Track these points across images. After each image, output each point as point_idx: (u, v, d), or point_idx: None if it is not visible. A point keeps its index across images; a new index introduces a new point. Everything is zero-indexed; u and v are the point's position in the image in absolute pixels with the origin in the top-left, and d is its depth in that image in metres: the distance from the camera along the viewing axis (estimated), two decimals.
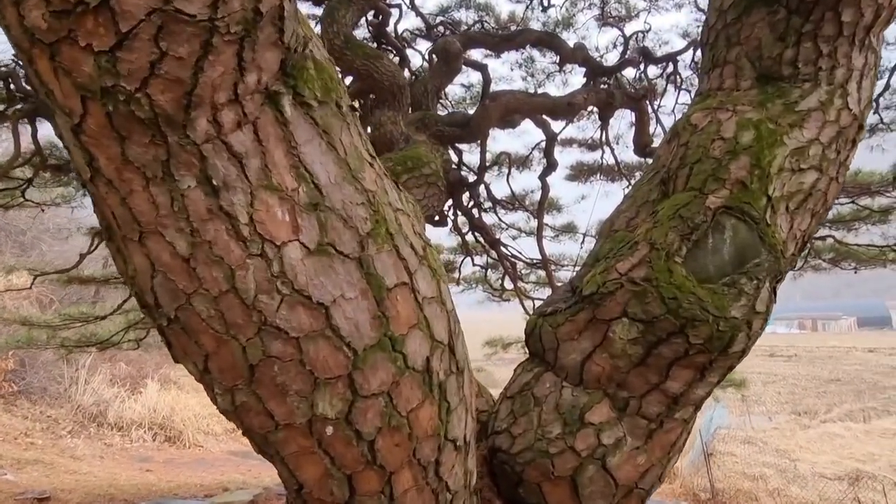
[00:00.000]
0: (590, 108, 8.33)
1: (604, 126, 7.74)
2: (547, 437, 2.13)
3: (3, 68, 4.58)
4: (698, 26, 7.61)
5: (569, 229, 9.32)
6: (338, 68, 7.20)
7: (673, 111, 7.61)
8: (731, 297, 1.93)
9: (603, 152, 8.53)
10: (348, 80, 7.19)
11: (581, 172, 9.15)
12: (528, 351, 2.47)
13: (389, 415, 1.53)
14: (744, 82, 2.30)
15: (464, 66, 7.76)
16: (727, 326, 1.91)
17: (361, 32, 7.30)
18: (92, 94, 1.22)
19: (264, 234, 1.35)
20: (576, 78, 8.90)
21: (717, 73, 2.40)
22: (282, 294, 1.38)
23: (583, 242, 8.57)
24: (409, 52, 7.86)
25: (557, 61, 7.38)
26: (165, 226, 1.34)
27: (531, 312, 3.44)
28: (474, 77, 8.82)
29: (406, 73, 7.12)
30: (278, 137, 1.37)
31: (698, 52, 7.10)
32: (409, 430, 1.58)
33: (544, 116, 6.62)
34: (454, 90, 8.83)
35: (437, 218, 8.02)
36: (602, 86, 6.42)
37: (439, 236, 10.46)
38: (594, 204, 8.71)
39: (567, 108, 5.46)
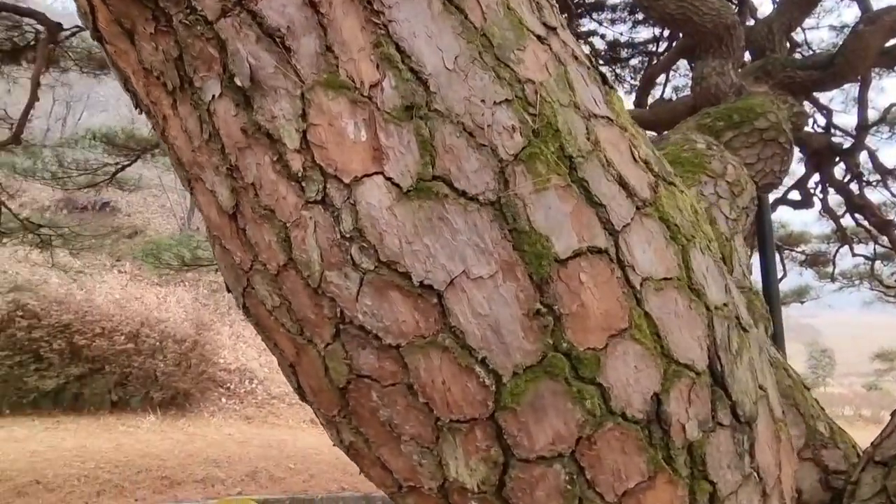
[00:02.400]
0: None
1: None
2: None
3: None
4: None
5: None
6: (650, 21, 6.26)
7: None
8: None
9: None
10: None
11: None
12: None
13: (579, 497, 0.82)
14: None
15: None
16: None
17: None
18: None
19: (326, 164, 0.78)
20: None
21: None
22: (360, 270, 0.79)
23: None
24: None
25: None
26: (202, 165, 0.87)
27: None
28: (848, 15, 6.91)
29: (750, 22, 5.80)
30: None
31: None
32: None
33: None
34: (818, 35, 7.03)
35: (797, 197, 6.45)
36: None
37: (805, 222, 8.55)
38: None
39: None
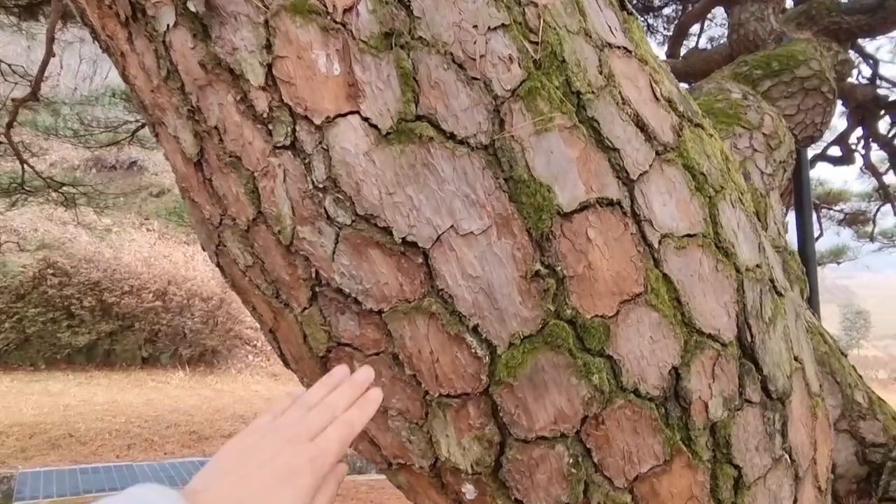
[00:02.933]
0: None
1: None
2: None
3: None
4: None
5: None
6: None
7: None
8: None
9: None
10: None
11: None
12: None
13: (584, 481, 0.72)
14: None
15: None
16: None
17: None
18: None
19: (295, 103, 0.68)
20: None
21: None
22: (336, 225, 0.69)
23: None
24: None
25: None
26: (163, 107, 0.78)
27: None
28: None
29: None
30: None
31: None
32: None
33: None
34: None
35: (838, 153, 6.16)
36: None
37: (844, 180, 8.22)
38: None
39: None
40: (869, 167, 6.72)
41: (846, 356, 1.82)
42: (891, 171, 6.59)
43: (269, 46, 0.68)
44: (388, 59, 0.66)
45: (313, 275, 0.73)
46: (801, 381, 0.87)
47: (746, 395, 0.76)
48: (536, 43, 0.68)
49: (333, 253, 0.70)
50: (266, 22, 0.67)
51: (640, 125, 0.71)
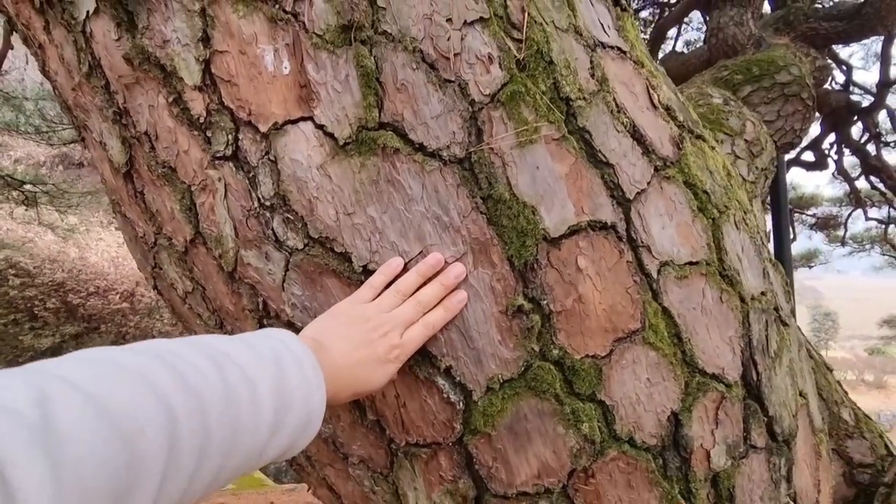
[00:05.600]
0: None
1: None
2: None
3: None
4: None
5: None
6: None
7: None
8: None
9: None
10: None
11: None
12: None
13: None
14: None
15: None
16: None
17: None
18: None
19: (237, 107, 0.58)
20: None
21: None
22: (286, 250, 0.60)
23: None
24: None
25: None
26: (86, 108, 0.67)
27: None
28: None
29: None
30: None
31: None
32: None
33: None
34: None
35: (811, 158, 6.20)
36: None
37: (817, 184, 8.31)
38: None
39: None
40: (841, 172, 6.77)
41: (832, 371, 1.77)
42: (862, 177, 6.65)
43: (206, 39, 0.57)
44: (346, 57, 0.56)
45: (260, 305, 0.63)
46: (806, 418, 0.79)
47: (751, 441, 0.68)
48: (520, 41, 0.58)
49: (283, 281, 0.60)
50: (203, 10, 0.57)
51: (637, 137, 0.63)
